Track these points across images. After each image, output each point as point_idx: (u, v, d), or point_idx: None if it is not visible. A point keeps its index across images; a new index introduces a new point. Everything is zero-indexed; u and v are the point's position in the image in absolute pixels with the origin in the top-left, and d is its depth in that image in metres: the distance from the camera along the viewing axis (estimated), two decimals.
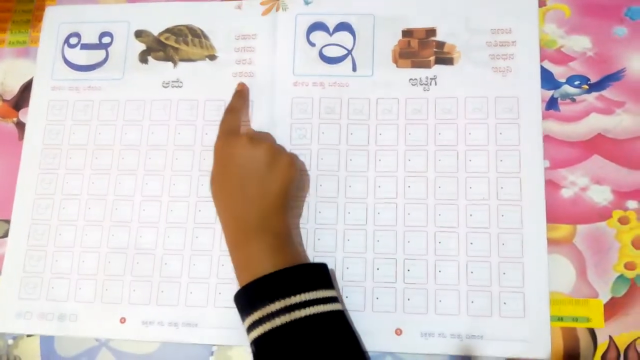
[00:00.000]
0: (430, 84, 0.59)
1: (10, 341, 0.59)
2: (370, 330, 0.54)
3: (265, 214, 0.51)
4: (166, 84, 0.63)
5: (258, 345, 0.47)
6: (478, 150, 0.57)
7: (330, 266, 0.56)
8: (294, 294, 0.46)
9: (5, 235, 0.61)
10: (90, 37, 0.65)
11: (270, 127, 0.60)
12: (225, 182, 0.53)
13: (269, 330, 0.46)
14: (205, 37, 0.63)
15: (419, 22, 0.61)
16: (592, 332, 0.53)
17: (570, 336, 0.53)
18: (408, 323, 0.54)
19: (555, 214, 0.55)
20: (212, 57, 0.63)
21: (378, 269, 0.55)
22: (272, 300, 0.46)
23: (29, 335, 0.59)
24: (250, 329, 0.47)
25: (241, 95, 0.60)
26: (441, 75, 0.59)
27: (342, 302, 0.50)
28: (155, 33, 0.65)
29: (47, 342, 0.58)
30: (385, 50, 0.61)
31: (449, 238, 0.55)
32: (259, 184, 0.51)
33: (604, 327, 0.53)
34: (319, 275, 0.50)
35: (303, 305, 0.46)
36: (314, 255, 0.56)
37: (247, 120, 0.60)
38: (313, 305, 0.46)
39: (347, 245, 0.56)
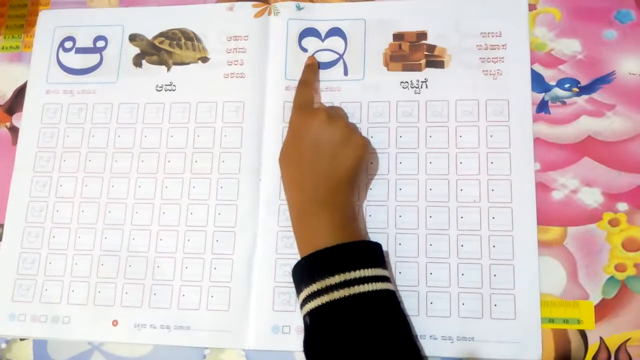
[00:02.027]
0: (421, 87, 0.59)
1: (3, 345, 0.59)
2: None
3: (333, 189, 0.52)
4: (160, 87, 0.63)
5: (313, 317, 0.47)
6: (469, 153, 0.57)
7: None
8: (354, 269, 0.47)
9: (0, 238, 0.61)
10: (84, 41, 0.66)
11: (261, 129, 0.60)
12: (298, 155, 0.53)
13: (326, 303, 0.46)
14: (198, 39, 0.64)
15: (410, 26, 0.61)
16: (583, 334, 0.53)
17: (561, 338, 0.53)
18: None
19: (545, 216, 0.55)
20: (205, 60, 0.63)
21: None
22: (332, 274, 0.47)
23: (22, 339, 0.59)
24: (307, 300, 0.48)
25: (312, 69, 0.60)
26: (432, 79, 0.59)
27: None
28: (149, 37, 0.65)
29: (40, 346, 0.58)
30: (376, 54, 0.61)
31: (440, 240, 0.55)
32: (332, 159, 0.52)
33: (594, 328, 0.53)
34: (378, 254, 0.50)
35: (362, 281, 0.47)
36: None
37: (317, 94, 0.61)
38: (371, 282, 0.47)
39: None
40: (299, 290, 0.50)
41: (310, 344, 0.48)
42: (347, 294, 0.46)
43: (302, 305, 0.49)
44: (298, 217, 0.53)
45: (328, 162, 0.52)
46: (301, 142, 0.53)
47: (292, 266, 0.51)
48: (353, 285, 0.46)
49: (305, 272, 0.49)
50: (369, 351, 0.45)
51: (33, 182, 0.62)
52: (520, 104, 0.58)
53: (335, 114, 0.56)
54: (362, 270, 0.47)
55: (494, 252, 0.55)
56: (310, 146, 0.53)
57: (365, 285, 0.47)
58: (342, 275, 0.46)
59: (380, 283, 0.48)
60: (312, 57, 0.61)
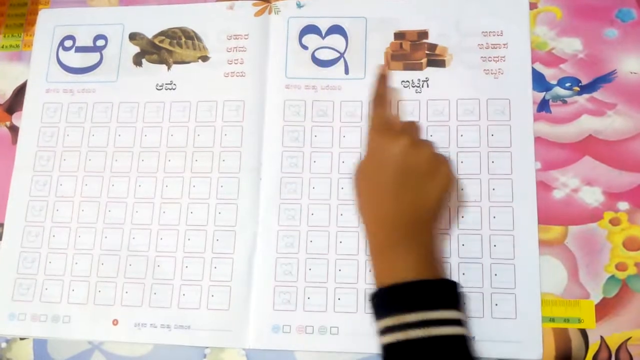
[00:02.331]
0: (422, 86, 0.59)
1: (3, 344, 0.59)
2: (362, 331, 0.54)
3: (417, 223, 0.48)
4: (160, 86, 0.63)
5: (388, 352, 0.45)
6: (470, 152, 0.57)
7: (322, 269, 0.56)
8: (433, 309, 0.44)
9: (0, 237, 0.61)
10: (84, 40, 0.66)
11: (262, 128, 0.60)
12: (379, 183, 0.49)
13: (402, 341, 0.44)
14: (198, 38, 0.64)
15: (411, 25, 0.61)
16: (583, 333, 0.53)
17: (561, 337, 0.53)
18: None
19: (546, 216, 0.55)
20: (205, 58, 0.63)
21: (370, 270, 0.55)
22: (410, 310, 0.44)
23: (22, 339, 0.59)
24: (383, 332, 0.45)
25: (385, 80, 0.55)
26: (433, 78, 0.59)
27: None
28: (150, 36, 0.65)
29: (40, 345, 0.58)
30: (377, 53, 0.61)
31: (440, 240, 0.55)
32: (417, 191, 0.48)
33: (595, 327, 0.53)
34: (456, 294, 0.48)
35: (440, 323, 0.44)
36: (306, 258, 0.56)
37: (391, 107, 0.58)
38: (449, 325, 0.44)
39: (340, 248, 0.56)
40: (376, 319, 0.47)
41: None
42: (423, 334, 0.43)
43: (379, 335, 0.46)
44: (377, 248, 0.49)
45: (413, 195, 0.48)
46: (382, 169, 0.49)
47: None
48: (430, 326, 0.44)
49: (383, 303, 0.47)
50: None
51: (33, 182, 0.62)
52: (521, 103, 0.58)
53: (420, 140, 0.51)
54: (440, 312, 0.45)
55: (494, 252, 0.55)
56: (394, 176, 0.48)
57: (443, 328, 0.44)
58: (420, 313, 0.44)
59: (457, 327, 0.45)
60: (383, 66, 0.58)
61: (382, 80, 0.55)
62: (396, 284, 0.46)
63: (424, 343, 0.43)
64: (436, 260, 0.49)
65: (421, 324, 0.44)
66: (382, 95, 0.54)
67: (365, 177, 0.50)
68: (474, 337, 0.53)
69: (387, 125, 0.51)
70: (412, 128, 0.52)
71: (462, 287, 0.49)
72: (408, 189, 0.48)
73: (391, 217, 0.48)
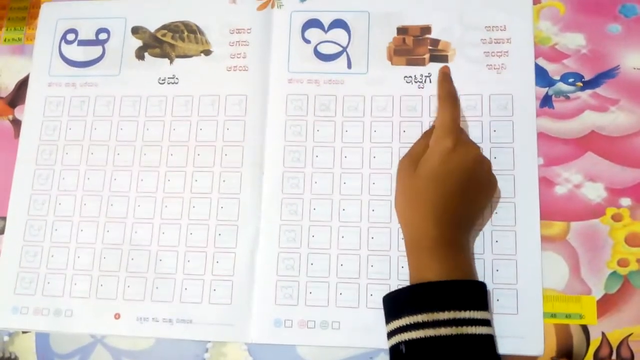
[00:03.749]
0: (425, 82, 0.59)
1: (5, 338, 0.59)
2: (364, 326, 0.54)
3: (462, 229, 0.52)
4: (162, 80, 0.63)
5: (412, 347, 0.46)
6: None
7: (324, 263, 0.56)
8: (465, 309, 0.46)
9: (2, 231, 0.61)
10: (87, 34, 0.66)
11: (264, 123, 0.60)
12: (439, 186, 0.50)
13: (431, 337, 0.45)
14: (201, 32, 0.64)
15: (414, 20, 0.61)
16: (585, 329, 0.53)
17: (563, 333, 0.53)
18: None
19: (549, 211, 0.55)
20: (207, 52, 0.63)
21: (372, 265, 0.55)
22: (442, 309, 0.46)
23: (24, 332, 0.59)
24: (407, 328, 0.47)
25: (450, 78, 0.56)
26: (436, 73, 0.59)
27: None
28: (152, 29, 0.65)
29: (42, 339, 0.58)
30: (380, 48, 0.61)
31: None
32: (472, 202, 0.52)
33: (596, 323, 0.53)
34: (485, 295, 0.50)
35: (470, 323, 0.46)
36: (308, 252, 0.56)
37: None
38: (478, 325, 0.46)
39: (342, 242, 0.56)
40: (396, 316, 0.48)
41: None
42: (454, 332, 0.45)
43: (397, 332, 0.47)
44: (417, 246, 0.51)
45: (470, 203, 0.51)
46: (449, 175, 0.50)
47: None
48: (461, 325, 0.45)
49: (413, 300, 0.48)
50: None
51: (35, 175, 0.62)
52: (524, 99, 0.58)
53: (482, 155, 0.53)
54: (471, 312, 0.46)
55: (496, 247, 0.55)
56: (462, 182, 0.50)
57: (473, 327, 0.46)
58: (451, 312, 0.46)
59: (485, 327, 0.47)
60: (446, 66, 0.58)
61: (447, 77, 0.55)
62: (429, 282, 0.47)
63: (454, 340, 0.45)
64: (469, 263, 0.51)
65: (452, 322, 0.45)
66: (451, 93, 0.54)
67: (427, 174, 0.51)
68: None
69: (459, 128, 0.52)
70: (468, 138, 0.55)
71: (486, 286, 0.51)
72: (465, 198, 0.51)
73: (445, 219, 0.50)
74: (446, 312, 0.46)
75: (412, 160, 0.52)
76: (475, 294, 0.48)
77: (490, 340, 0.47)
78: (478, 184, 0.52)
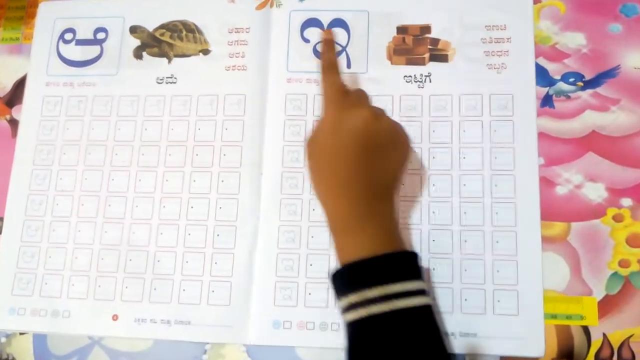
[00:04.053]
0: (425, 81, 0.59)
1: (3, 339, 0.59)
2: None
3: (378, 197, 0.47)
4: (160, 79, 0.63)
5: (352, 329, 0.44)
6: (472, 148, 0.57)
7: (323, 264, 0.56)
8: (394, 282, 0.44)
9: None
10: (85, 33, 0.65)
11: (263, 123, 0.60)
12: (338, 158, 0.47)
13: (365, 317, 0.43)
14: (199, 31, 0.63)
15: (414, 19, 0.61)
16: (586, 330, 0.53)
17: (564, 334, 0.53)
18: None
19: (549, 212, 0.55)
20: (206, 52, 0.63)
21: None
22: (369, 286, 0.43)
23: (21, 333, 0.58)
24: (346, 310, 0.45)
25: (332, 46, 0.53)
26: (436, 73, 0.59)
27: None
28: (150, 29, 0.64)
29: (40, 340, 0.58)
30: (379, 47, 0.60)
31: (442, 235, 0.55)
32: (378, 165, 0.47)
33: (597, 324, 0.53)
34: (416, 264, 0.47)
35: (401, 296, 0.43)
36: (307, 253, 0.56)
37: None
38: (411, 297, 0.44)
39: None
40: (338, 298, 0.46)
41: (352, 356, 0.45)
42: (385, 309, 0.43)
43: (343, 313, 0.46)
44: (338, 226, 0.48)
45: (374, 168, 0.47)
46: (342, 144, 0.47)
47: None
48: (392, 299, 0.43)
49: (344, 282, 0.46)
50: None
51: (33, 175, 0.62)
52: (525, 98, 0.57)
53: (378, 110, 0.49)
54: (401, 284, 0.44)
55: (497, 248, 0.54)
56: (355, 150, 0.46)
57: (404, 300, 0.43)
58: (380, 288, 0.43)
59: (419, 297, 0.44)
60: (328, 30, 0.56)
61: (330, 45, 0.53)
62: (355, 261, 0.45)
63: (388, 317, 0.43)
64: (395, 233, 0.48)
65: (383, 299, 0.43)
66: (332, 63, 0.52)
67: (323, 153, 0.48)
68: (475, 334, 0.53)
69: (343, 95, 0.49)
70: (366, 97, 0.51)
71: (418, 255, 0.47)
72: (369, 163, 0.47)
73: (352, 193, 0.47)
74: (374, 289, 0.43)
75: (311, 138, 0.50)
76: (404, 265, 0.46)
77: (427, 310, 0.45)
78: (378, 146, 0.47)
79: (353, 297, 0.44)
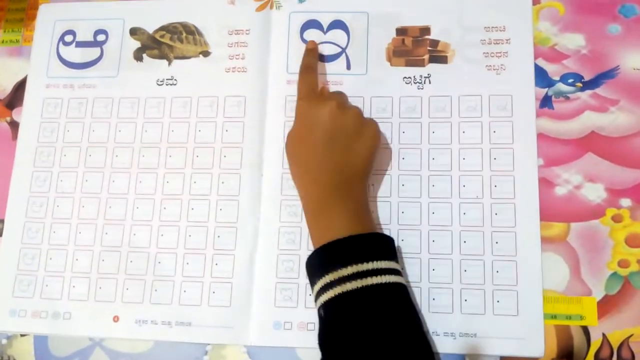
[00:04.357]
0: (424, 83, 0.59)
1: (4, 341, 0.59)
2: None
3: (348, 181, 0.51)
4: (160, 81, 0.63)
5: (327, 309, 0.47)
6: (472, 149, 0.57)
7: None
8: (367, 261, 0.46)
9: (0, 234, 0.61)
10: (85, 35, 0.65)
11: (263, 124, 0.60)
12: (309, 146, 0.52)
13: (339, 294, 0.46)
14: (199, 33, 0.63)
15: (413, 20, 0.61)
16: (585, 330, 0.53)
17: (563, 334, 0.53)
18: None
19: (549, 212, 0.55)
20: (206, 54, 0.63)
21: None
22: (345, 265, 0.46)
23: (22, 335, 0.59)
24: (321, 291, 0.47)
25: (313, 53, 0.60)
26: (435, 74, 0.59)
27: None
28: (150, 31, 0.64)
29: (40, 342, 0.58)
30: (379, 49, 0.61)
31: (442, 236, 0.55)
32: (346, 151, 0.51)
33: (597, 325, 0.53)
34: (390, 247, 0.50)
35: (374, 273, 0.46)
36: (307, 254, 0.56)
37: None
38: (384, 275, 0.46)
39: None
40: (312, 283, 0.49)
41: (324, 336, 0.47)
42: (359, 285, 0.45)
43: (317, 297, 0.48)
44: (312, 210, 0.52)
45: (343, 154, 0.51)
46: (312, 133, 0.52)
47: (305, 259, 0.51)
48: (366, 277, 0.46)
49: (319, 263, 0.49)
50: (381, 343, 0.45)
51: (33, 177, 0.62)
52: (524, 99, 0.57)
53: (345, 102, 0.54)
54: (374, 262, 0.46)
55: (496, 248, 0.54)
56: (323, 138, 0.51)
57: (378, 277, 0.46)
58: (355, 266, 0.46)
59: (392, 276, 0.47)
60: (312, 41, 0.60)
61: (311, 52, 0.59)
62: (329, 242, 0.48)
63: (361, 293, 0.45)
64: (367, 216, 0.52)
65: (356, 275, 0.46)
66: (309, 66, 0.58)
67: (296, 143, 0.54)
68: (474, 334, 0.53)
69: (315, 93, 0.56)
70: (338, 95, 0.56)
71: (393, 240, 0.51)
72: (337, 149, 0.51)
73: (323, 178, 0.51)
74: (349, 267, 0.46)
75: (289, 133, 0.55)
76: (377, 245, 0.48)
77: (400, 288, 0.47)
78: (344, 135, 0.52)
79: (328, 277, 0.46)
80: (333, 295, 0.46)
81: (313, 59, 0.59)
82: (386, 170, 0.57)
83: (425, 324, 0.53)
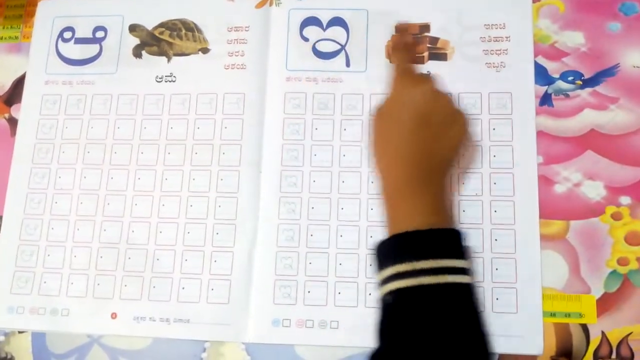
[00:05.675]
0: None
1: (1, 337, 0.59)
2: (363, 325, 0.54)
3: (435, 169, 0.49)
4: (159, 78, 0.63)
5: (396, 297, 0.45)
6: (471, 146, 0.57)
7: (322, 263, 0.56)
8: (446, 257, 0.45)
9: None
10: (84, 31, 0.65)
11: (262, 121, 0.60)
12: (398, 125, 0.49)
13: (413, 286, 0.44)
14: (199, 30, 0.63)
15: (413, 18, 0.61)
16: (584, 328, 0.53)
17: (563, 332, 0.53)
18: None
19: (548, 210, 0.55)
20: (205, 50, 0.63)
21: (371, 264, 0.55)
22: (422, 258, 0.45)
23: (20, 332, 0.58)
24: (391, 278, 0.46)
25: (409, 37, 0.58)
26: (435, 71, 0.59)
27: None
28: (150, 27, 0.64)
29: (38, 339, 0.58)
30: (378, 46, 0.61)
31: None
32: (435, 137, 0.49)
33: (596, 322, 0.53)
34: (466, 244, 0.48)
35: (451, 271, 0.45)
36: (306, 252, 0.56)
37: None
38: (460, 274, 0.45)
39: (340, 242, 0.56)
40: (382, 266, 0.47)
41: (387, 324, 0.46)
42: (436, 281, 0.44)
43: (384, 282, 0.47)
44: (391, 192, 0.49)
45: (434, 139, 0.49)
46: (403, 112, 0.49)
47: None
48: (443, 273, 0.45)
49: (395, 250, 0.47)
50: (448, 342, 0.44)
51: (32, 174, 0.62)
52: (524, 97, 0.57)
53: (441, 90, 0.51)
54: (452, 260, 0.45)
55: (496, 246, 0.54)
56: (416, 118, 0.48)
57: (454, 276, 0.45)
58: (432, 261, 0.45)
59: (466, 276, 0.46)
60: (404, 23, 0.59)
61: (405, 32, 0.58)
62: (409, 231, 0.46)
63: (435, 289, 0.44)
64: (447, 210, 0.49)
65: (433, 271, 0.44)
66: (406, 44, 0.55)
67: (385, 119, 0.51)
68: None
69: (411, 72, 0.52)
70: (434, 77, 0.52)
71: (467, 236, 0.48)
72: (426, 134, 0.48)
73: (408, 160, 0.49)
74: (426, 261, 0.45)
75: (377, 109, 0.52)
76: (455, 243, 0.47)
77: (472, 289, 0.46)
78: (434, 119, 0.49)
79: (403, 266, 0.45)
80: (405, 286, 0.45)
81: (408, 37, 0.57)
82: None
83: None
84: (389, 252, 0.48)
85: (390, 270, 0.46)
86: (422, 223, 0.47)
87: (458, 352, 0.44)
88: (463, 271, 0.46)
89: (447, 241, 0.47)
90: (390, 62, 0.55)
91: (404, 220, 0.48)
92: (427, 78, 0.52)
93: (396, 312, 0.46)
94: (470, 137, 0.53)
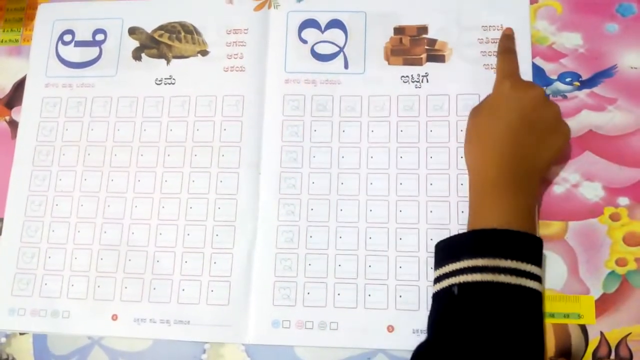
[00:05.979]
0: (422, 82, 0.59)
1: (2, 339, 0.59)
2: (362, 327, 0.54)
3: (531, 173, 0.51)
4: (159, 80, 0.63)
5: (466, 289, 0.46)
6: None
7: (322, 264, 0.56)
8: (527, 262, 0.46)
9: None
10: (84, 34, 0.66)
11: (261, 123, 0.60)
12: (501, 126, 0.51)
13: (490, 282, 0.45)
14: (198, 32, 0.64)
15: (411, 19, 0.61)
16: (583, 329, 0.53)
17: (561, 332, 0.53)
18: (400, 320, 0.54)
19: (546, 211, 0.55)
20: (204, 53, 0.63)
21: (370, 266, 0.55)
22: (505, 257, 0.46)
23: (21, 334, 0.59)
24: (464, 271, 0.47)
25: (511, 39, 0.58)
26: (433, 73, 0.59)
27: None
28: (149, 30, 0.65)
29: (39, 341, 0.58)
30: (376, 48, 0.61)
31: (440, 235, 0.55)
32: (538, 143, 0.51)
33: (595, 323, 0.53)
34: (542, 253, 0.49)
35: (529, 276, 0.46)
36: (306, 253, 0.56)
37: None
38: (535, 281, 0.47)
39: (340, 243, 0.56)
40: (456, 258, 0.48)
41: (450, 315, 0.47)
42: (513, 282, 0.45)
43: (453, 274, 0.47)
44: (482, 188, 0.51)
45: (534, 146, 0.50)
46: (509, 114, 0.51)
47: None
48: (522, 276, 0.46)
49: (474, 244, 0.48)
50: (513, 344, 0.45)
51: (32, 176, 0.62)
52: None
53: (549, 99, 0.54)
54: (530, 266, 0.46)
55: None
56: (522, 122, 0.50)
57: (530, 281, 0.46)
58: (514, 262, 0.46)
59: (541, 285, 0.48)
60: (509, 28, 0.59)
61: (509, 37, 0.58)
62: (496, 229, 0.47)
63: (511, 289, 0.45)
64: (533, 216, 0.51)
65: (513, 272, 0.45)
66: (511, 48, 0.57)
67: (486, 117, 0.52)
68: None
69: (519, 75, 0.55)
70: (540, 86, 0.54)
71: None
72: (529, 139, 0.50)
73: (505, 160, 0.50)
74: (508, 261, 0.46)
75: (478, 105, 0.54)
76: (536, 250, 0.48)
77: (540, 297, 0.47)
78: (540, 125, 0.51)
79: (482, 261, 0.46)
80: (481, 280, 0.46)
81: (513, 43, 0.58)
82: (385, 168, 0.57)
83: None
84: (467, 245, 0.48)
85: (466, 263, 0.46)
86: (509, 224, 0.48)
87: (519, 357, 0.45)
88: (539, 279, 0.47)
89: (530, 246, 0.48)
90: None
91: (490, 217, 0.49)
92: (537, 86, 0.53)
93: (463, 305, 0.46)
94: (568, 151, 0.55)
